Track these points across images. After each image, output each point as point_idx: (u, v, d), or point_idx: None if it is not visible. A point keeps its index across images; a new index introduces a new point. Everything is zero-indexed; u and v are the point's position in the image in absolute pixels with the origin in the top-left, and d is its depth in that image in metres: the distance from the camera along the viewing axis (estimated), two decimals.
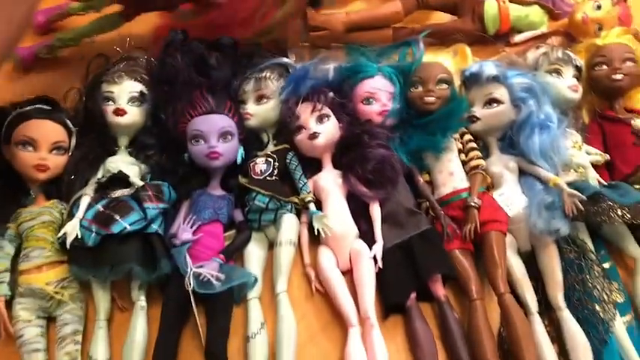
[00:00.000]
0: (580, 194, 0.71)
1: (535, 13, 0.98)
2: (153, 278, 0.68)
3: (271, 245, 0.75)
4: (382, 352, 0.66)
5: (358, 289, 0.70)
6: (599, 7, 0.94)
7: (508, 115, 0.79)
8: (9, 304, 0.68)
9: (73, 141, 0.76)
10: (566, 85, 0.83)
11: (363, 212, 0.76)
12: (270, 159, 0.78)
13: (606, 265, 0.75)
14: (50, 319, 0.69)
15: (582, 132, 0.84)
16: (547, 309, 0.71)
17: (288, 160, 0.79)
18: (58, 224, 0.71)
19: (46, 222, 0.71)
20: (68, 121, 0.76)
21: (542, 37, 0.97)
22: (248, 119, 0.80)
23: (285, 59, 0.86)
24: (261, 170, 0.77)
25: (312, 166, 0.80)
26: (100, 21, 0.97)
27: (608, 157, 0.81)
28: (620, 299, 0.73)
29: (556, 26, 0.98)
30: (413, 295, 0.70)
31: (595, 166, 0.81)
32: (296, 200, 0.76)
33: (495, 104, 0.79)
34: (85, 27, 0.97)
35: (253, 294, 0.70)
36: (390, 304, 0.71)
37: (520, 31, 0.98)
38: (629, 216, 0.71)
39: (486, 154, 0.80)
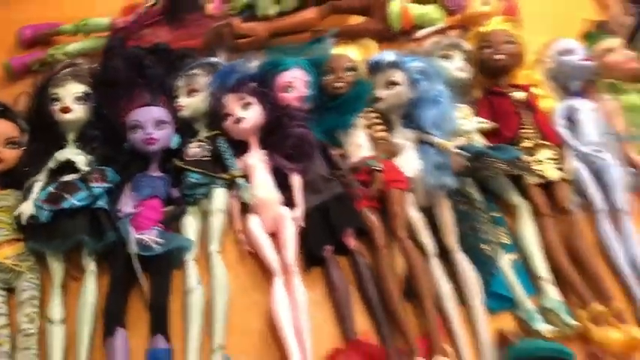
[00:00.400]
0: (464, 153, 0.85)
1: (434, 10, 1.12)
2: (100, 246, 0.78)
3: (205, 217, 0.86)
4: (302, 294, 0.77)
5: (282, 245, 0.81)
6: (486, 3, 1.10)
7: (406, 95, 0.92)
8: None
9: (25, 137, 0.86)
10: (455, 67, 0.97)
11: (286, 183, 0.87)
12: (202, 143, 0.89)
13: (495, 214, 0.88)
14: (11, 291, 0.78)
15: (475, 106, 0.98)
16: (444, 252, 0.84)
17: (218, 144, 0.90)
18: (14, 209, 0.80)
19: (3, 207, 0.80)
20: (19, 120, 0.85)
21: (441, 31, 1.11)
22: (181, 110, 0.91)
23: (213, 59, 0.98)
24: (194, 153, 0.88)
25: (242, 149, 0.91)
26: (91, 41, 1.07)
27: (494, 124, 0.94)
28: (505, 241, 0.86)
29: (452, 21, 1.12)
30: (329, 248, 0.82)
31: (486, 133, 0.94)
32: (225, 176, 0.87)
33: (395, 86, 0.92)
34: (76, 45, 1.07)
35: (190, 257, 0.81)
36: (310, 256, 0.82)
37: (422, 27, 1.12)
38: (507, 168, 0.84)
39: (391, 128, 0.93)
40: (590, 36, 1.06)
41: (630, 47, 1.05)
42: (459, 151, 0.85)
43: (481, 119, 0.94)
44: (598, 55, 1.02)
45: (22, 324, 0.74)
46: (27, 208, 0.77)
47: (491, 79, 0.99)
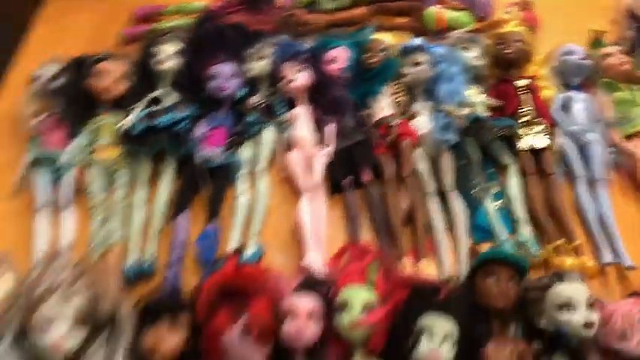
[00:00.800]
0: (465, 116, 1.05)
1: (464, 16, 1.33)
2: (177, 156, 1.04)
3: (257, 147, 1.10)
4: (322, 207, 1.00)
5: (312, 172, 1.04)
6: (508, 12, 1.31)
7: (427, 73, 1.14)
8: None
9: (132, 78, 1.13)
10: (472, 56, 1.18)
11: (322, 131, 1.10)
12: (262, 96, 1.15)
13: (490, 170, 1.08)
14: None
15: (486, 91, 1.18)
16: (442, 193, 1.04)
17: (274, 98, 1.15)
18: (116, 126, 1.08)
19: (110, 122, 1.08)
20: (127, 64, 1.14)
21: (470, 33, 1.32)
22: (250, 72, 1.17)
23: (278, 37, 1.23)
24: (255, 102, 1.13)
25: (293, 104, 1.15)
26: (187, 20, 1.34)
27: (499, 102, 1.14)
28: (494, 190, 1.04)
29: (479, 25, 1.33)
30: (349, 180, 1.04)
31: (491, 109, 1.13)
32: (275, 120, 1.11)
33: (419, 65, 1.15)
34: (175, 22, 1.34)
35: (242, 173, 1.05)
36: (334, 185, 1.04)
37: (454, 29, 1.33)
38: (497, 129, 1.04)
39: (413, 99, 1.15)
40: (595, 43, 1.25)
41: (631, 57, 1.23)
42: (461, 114, 1.06)
43: (488, 98, 1.14)
44: (598, 58, 1.20)
45: (116, 203, 1.00)
46: (127, 122, 1.04)
47: (503, 70, 1.20)
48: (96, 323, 0.80)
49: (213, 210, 1.00)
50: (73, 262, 0.87)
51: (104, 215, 0.99)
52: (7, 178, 1.07)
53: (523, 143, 1.08)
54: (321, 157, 1.06)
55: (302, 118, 1.11)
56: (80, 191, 1.03)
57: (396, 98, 1.14)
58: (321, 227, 0.98)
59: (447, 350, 0.77)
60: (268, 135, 1.10)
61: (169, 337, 0.78)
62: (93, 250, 0.95)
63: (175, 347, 0.78)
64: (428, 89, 1.15)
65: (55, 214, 1.01)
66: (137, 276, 0.92)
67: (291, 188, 1.06)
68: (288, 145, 1.10)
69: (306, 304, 0.80)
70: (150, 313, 0.80)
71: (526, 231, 0.98)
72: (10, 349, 0.77)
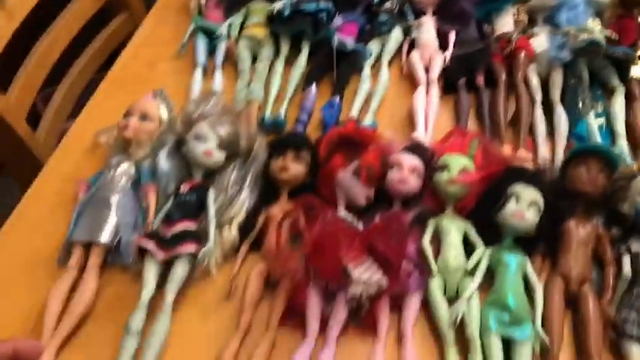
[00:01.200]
0: (582, 40, 1.13)
1: None
2: (315, 38, 1.20)
3: (384, 44, 1.24)
4: (435, 96, 1.12)
5: (430, 70, 1.16)
6: None
7: (551, 2, 1.23)
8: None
9: None
10: None
11: (445, 39, 1.22)
12: (395, 3, 1.27)
13: (597, 92, 1.14)
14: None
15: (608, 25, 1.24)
16: (548, 105, 1.12)
17: (405, 6, 1.27)
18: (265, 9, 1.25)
19: (260, 7, 1.25)
20: None
21: None
22: None
23: None
24: (386, 7, 1.27)
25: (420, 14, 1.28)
26: None
27: (616, 35, 1.19)
28: (598, 110, 1.12)
29: None
30: (463, 81, 1.15)
31: (609, 40, 1.20)
32: (404, 23, 1.24)
33: None
34: None
35: (368, 63, 1.20)
36: (449, 83, 1.16)
37: None
38: (611, 53, 1.11)
39: (534, 23, 1.24)
40: None
41: None
42: (579, 36, 1.13)
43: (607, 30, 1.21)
44: None
45: (259, 71, 1.17)
46: (278, 5, 1.21)
47: (627, 10, 1.25)
48: (234, 152, 0.97)
49: (339, 87, 1.15)
50: (221, 103, 1.05)
51: (248, 79, 1.17)
52: (172, 45, 1.28)
53: (634, 72, 1.14)
54: (441, 58, 1.18)
55: (427, 26, 1.23)
56: (230, 58, 1.22)
57: (518, 19, 1.23)
58: (432, 116, 1.10)
59: (532, 215, 0.87)
60: (396, 34, 1.24)
61: (294, 165, 0.94)
62: (237, 101, 1.12)
63: (297, 174, 0.94)
64: (549, 16, 1.24)
65: (209, 74, 1.20)
66: (270, 126, 1.09)
67: (409, 84, 1.19)
68: (412, 46, 1.22)
69: (411, 160, 0.93)
70: (279, 146, 0.96)
71: (623, 144, 1.05)
72: (168, 155, 0.97)
